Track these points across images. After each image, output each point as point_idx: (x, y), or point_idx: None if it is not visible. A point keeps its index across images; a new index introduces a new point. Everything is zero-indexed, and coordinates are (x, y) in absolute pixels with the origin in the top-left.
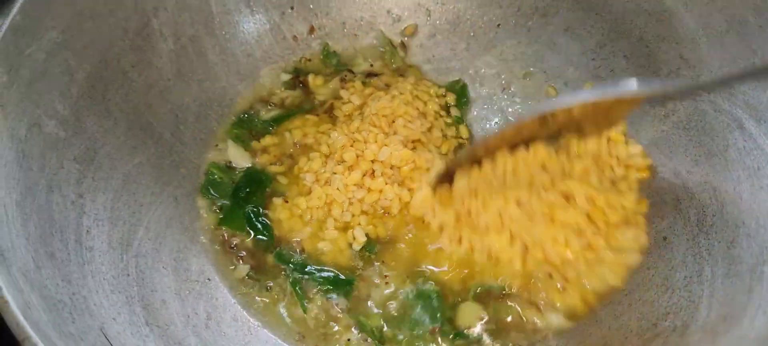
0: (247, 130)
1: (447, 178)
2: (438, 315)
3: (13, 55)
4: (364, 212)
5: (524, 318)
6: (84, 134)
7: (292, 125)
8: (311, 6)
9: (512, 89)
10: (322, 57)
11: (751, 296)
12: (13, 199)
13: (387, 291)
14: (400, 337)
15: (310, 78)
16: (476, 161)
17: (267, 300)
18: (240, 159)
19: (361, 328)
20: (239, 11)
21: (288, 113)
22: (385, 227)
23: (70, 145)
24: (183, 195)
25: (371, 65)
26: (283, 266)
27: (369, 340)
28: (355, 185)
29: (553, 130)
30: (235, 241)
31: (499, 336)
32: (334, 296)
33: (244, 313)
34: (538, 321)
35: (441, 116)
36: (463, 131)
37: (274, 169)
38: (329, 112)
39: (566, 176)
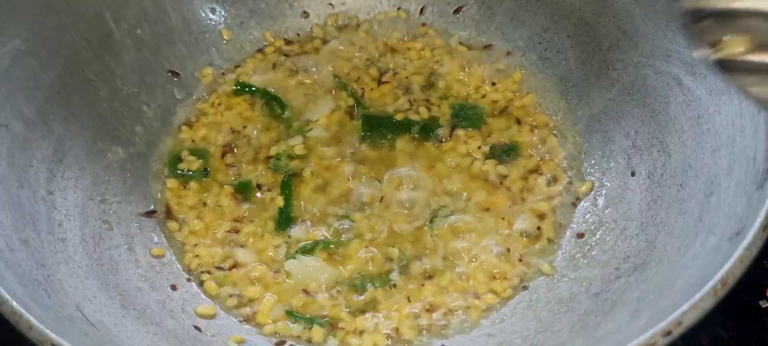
0: None
1: None
2: None
3: None
4: None
5: None
6: (51, 137)
7: None
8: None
9: None
10: None
11: (700, 223)
12: None
13: None
14: None
15: None
16: None
17: None
18: None
19: None
20: (197, 20)
21: None
22: None
23: (38, 146)
24: (155, 192)
25: None
26: None
27: None
28: None
29: None
30: None
31: None
32: None
33: None
34: None
35: None
36: None
37: None
38: None
39: None
